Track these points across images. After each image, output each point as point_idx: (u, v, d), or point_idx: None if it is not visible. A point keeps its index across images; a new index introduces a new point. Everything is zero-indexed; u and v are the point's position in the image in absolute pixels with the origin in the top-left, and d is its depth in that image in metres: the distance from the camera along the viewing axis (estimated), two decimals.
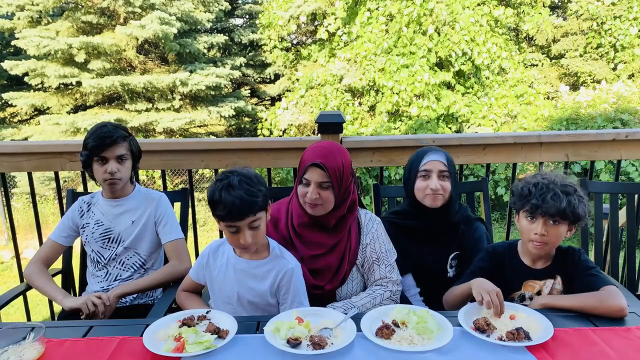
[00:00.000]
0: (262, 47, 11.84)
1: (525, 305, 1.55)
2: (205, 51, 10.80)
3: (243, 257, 1.63)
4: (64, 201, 2.35)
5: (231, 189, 1.47)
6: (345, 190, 1.73)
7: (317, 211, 1.71)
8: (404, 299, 1.91)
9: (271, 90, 12.51)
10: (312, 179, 1.68)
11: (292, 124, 9.72)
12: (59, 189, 2.73)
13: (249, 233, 1.51)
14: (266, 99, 13.21)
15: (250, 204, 1.47)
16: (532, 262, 1.68)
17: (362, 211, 1.87)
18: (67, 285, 2.34)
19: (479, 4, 9.34)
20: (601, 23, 10.34)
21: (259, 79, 13.16)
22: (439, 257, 1.95)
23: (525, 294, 1.66)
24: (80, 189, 2.53)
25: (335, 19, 10.03)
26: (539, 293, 1.64)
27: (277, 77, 12.70)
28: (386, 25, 9.33)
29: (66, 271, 2.33)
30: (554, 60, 11.68)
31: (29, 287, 2.06)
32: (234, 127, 11.62)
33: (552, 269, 1.66)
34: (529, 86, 10.15)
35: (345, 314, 1.48)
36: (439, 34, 9.08)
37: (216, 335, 1.37)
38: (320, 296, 1.72)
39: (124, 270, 2.09)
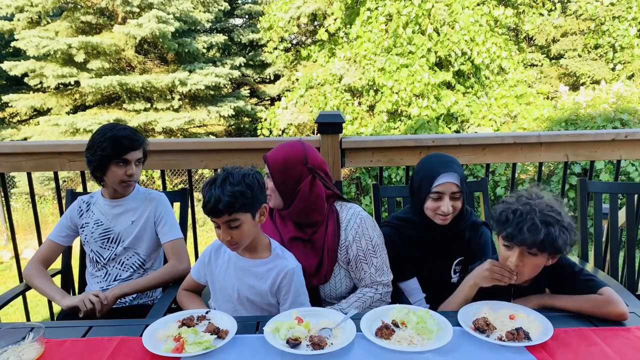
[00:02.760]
0: (262, 47, 11.84)
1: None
2: (204, 51, 10.81)
3: (244, 255, 1.63)
4: (63, 201, 2.35)
5: (213, 186, 1.49)
6: (288, 181, 1.74)
7: (272, 202, 1.79)
8: (405, 302, 1.89)
9: (271, 90, 12.52)
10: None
11: (291, 124, 9.72)
12: (58, 189, 2.73)
13: (227, 232, 1.52)
14: (266, 99, 13.22)
15: (225, 204, 1.47)
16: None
17: (345, 207, 1.83)
18: (67, 285, 2.34)
19: (478, 4, 9.34)
20: (600, 23, 10.34)
21: (258, 79, 13.16)
22: (443, 263, 1.91)
23: None
24: (79, 189, 2.53)
25: (335, 19, 10.02)
26: None
27: (276, 77, 12.70)
28: (386, 25, 9.33)
29: (65, 271, 2.33)
30: (553, 61, 11.68)
31: (28, 287, 2.06)
32: (233, 127, 11.63)
33: (537, 282, 1.59)
34: (529, 86, 10.15)
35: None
36: (438, 33, 9.08)
37: (216, 336, 1.36)
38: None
39: (123, 270, 2.08)
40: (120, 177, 1.98)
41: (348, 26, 9.97)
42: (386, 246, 1.83)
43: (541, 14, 10.56)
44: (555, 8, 11.26)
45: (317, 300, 1.77)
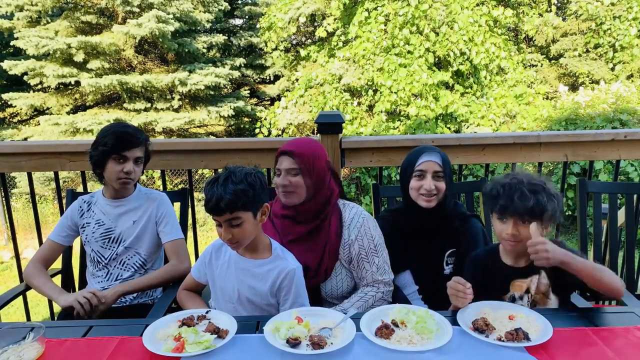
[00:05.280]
0: (262, 48, 11.84)
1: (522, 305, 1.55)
2: (204, 51, 10.81)
3: (245, 256, 1.64)
4: (64, 201, 2.35)
5: (215, 185, 1.51)
6: (318, 179, 1.74)
7: (291, 199, 1.76)
8: (403, 299, 1.90)
9: (271, 90, 12.52)
10: (282, 167, 1.76)
11: (291, 123, 9.72)
12: (58, 189, 2.73)
13: (228, 230, 1.53)
14: (265, 99, 13.22)
15: (227, 202, 1.48)
16: (514, 261, 1.66)
17: (348, 206, 1.84)
18: (67, 285, 2.34)
19: (477, 4, 9.33)
20: (600, 23, 10.33)
21: (258, 79, 13.16)
22: (435, 254, 1.94)
23: (515, 295, 1.65)
24: (79, 189, 2.53)
25: (335, 19, 10.02)
26: (527, 291, 1.64)
27: (276, 77, 12.70)
28: (385, 25, 9.32)
29: (66, 271, 2.34)
30: (553, 61, 11.67)
31: (28, 287, 2.06)
32: (233, 127, 11.63)
33: (534, 264, 1.61)
34: (528, 86, 10.14)
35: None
36: (437, 34, 9.08)
37: (216, 335, 1.37)
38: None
39: (124, 270, 2.09)
40: (117, 174, 1.97)
41: (346, 26, 9.97)
42: None
43: (540, 14, 10.54)
44: (556, 7, 11.24)
45: (318, 299, 1.77)
